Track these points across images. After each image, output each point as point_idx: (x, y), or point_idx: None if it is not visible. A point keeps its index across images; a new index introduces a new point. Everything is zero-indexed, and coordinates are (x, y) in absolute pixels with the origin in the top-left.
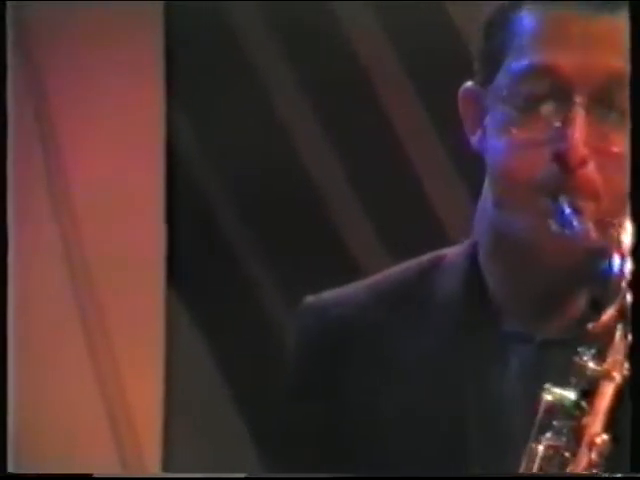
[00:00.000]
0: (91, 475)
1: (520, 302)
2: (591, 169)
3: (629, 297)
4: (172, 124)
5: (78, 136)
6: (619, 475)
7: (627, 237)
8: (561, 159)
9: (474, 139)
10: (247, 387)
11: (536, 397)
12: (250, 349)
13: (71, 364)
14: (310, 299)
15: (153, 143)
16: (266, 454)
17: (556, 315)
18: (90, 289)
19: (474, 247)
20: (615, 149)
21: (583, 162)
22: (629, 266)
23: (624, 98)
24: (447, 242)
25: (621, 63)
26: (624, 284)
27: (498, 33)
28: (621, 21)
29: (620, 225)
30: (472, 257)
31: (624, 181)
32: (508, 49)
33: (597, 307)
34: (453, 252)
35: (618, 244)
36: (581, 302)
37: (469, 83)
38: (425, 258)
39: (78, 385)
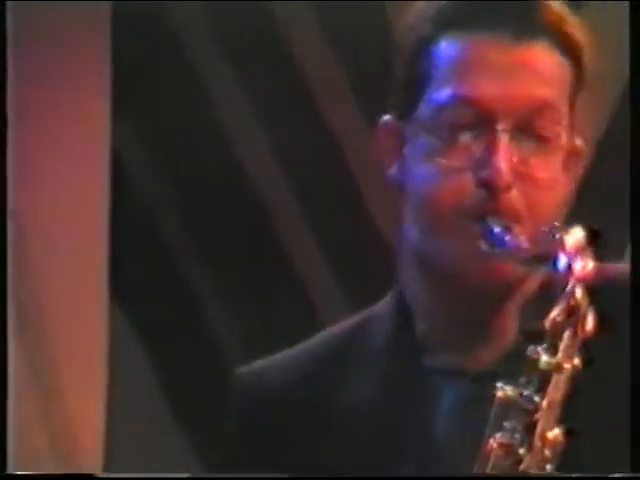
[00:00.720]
0: (92, 475)
1: (451, 335)
2: (515, 194)
3: (579, 293)
4: (117, 134)
5: (25, 144)
6: (619, 475)
7: (572, 238)
8: (487, 185)
9: (392, 171)
10: (185, 398)
11: (475, 431)
12: (191, 360)
13: (12, 373)
14: (242, 370)
15: (98, 154)
16: (204, 461)
17: (487, 346)
18: (33, 298)
19: (400, 292)
20: (537, 175)
21: (508, 187)
22: (579, 264)
23: (546, 125)
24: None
25: (542, 91)
26: (571, 281)
27: (418, 63)
28: (542, 49)
29: (562, 228)
30: (399, 303)
31: (546, 205)
32: (429, 79)
33: (529, 337)
34: (382, 304)
35: (562, 244)
36: (513, 331)
37: (387, 117)
38: (357, 316)
39: (20, 396)
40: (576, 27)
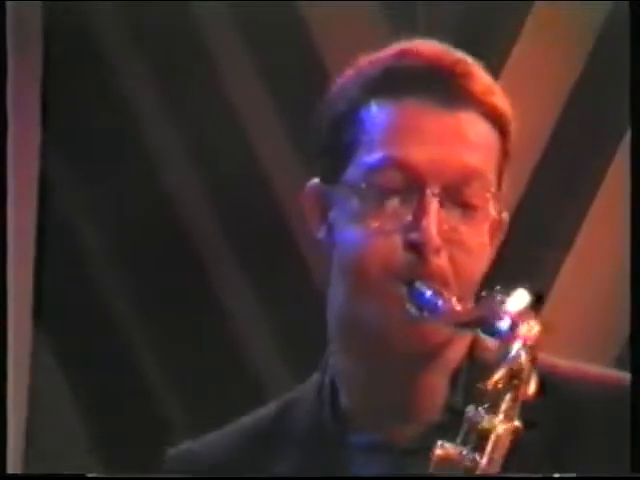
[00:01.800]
0: (92, 475)
1: (377, 410)
2: (443, 258)
3: (523, 357)
4: (47, 160)
5: None
6: (619, 475)
7: (515, 301)
8: (417, 248)
9: (320, 234)
10: (105, 425)
11: None
12: (114, 391)
13: None
14: (172, 452)
15: (27, 180)
16: None
17: (415, 421)
18: None
19: (325, 369)
20: (465, 241)
21: (438, 251)
22: (523, 328)
23: (474, 193)
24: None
25: (472, 158)
26: (516, 344)
27: (348, 128)
28: (471, 118)
29: (504, 292)
30: (324, 380)
31: (472, 271)
32: (359, 143)
33: (454, 411)
34: (309, 383)
35: (505, 308)
36: (439, 405)
37: (314, 180)
38: (285, 397)
39: None
40: (502, 98)
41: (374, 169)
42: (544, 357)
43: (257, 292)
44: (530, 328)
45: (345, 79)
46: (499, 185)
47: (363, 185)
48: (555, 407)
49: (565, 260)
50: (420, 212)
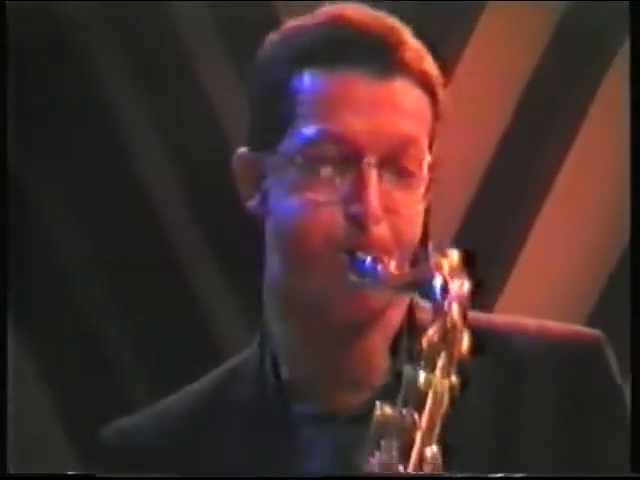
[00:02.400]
0: (92, 475)
1: (319, 379)
2: (384, 228)
3: (455, 314)
4: (24, 172)
5: None
6: (619, 475)
7: (447, 260)
8: (358, 219)
9: (252, 203)
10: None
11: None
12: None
13: None
14: (106, 431)
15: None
16: None
17: (358, 388)
18: None
19: (264, 337)
20: (402, 208)
21: (379, 221)
22: (454, 285)
23: (410, 160)
24: None
25: (407, 125)
26: (448, 301)
27: (282, 98)
28: (403, 85)
29: (438, 250)
30: (264, 349)
31: (410, 236)
32: (294, 114)
33: (398, 374)
34: (248, 352)
35: (439, 267)
36: (383, 371)
37: (243, 149)
38: (222, 367)
39: None
40: (431, 64)
41: (310, 142)
42: (481, 315)
43: (220, 262)
44: (461, 285)
45: (274, 46)
46: (430, 148)
47: (300, 157)
48: (493, 362)
49: (537, 219)
50: (359, 183)
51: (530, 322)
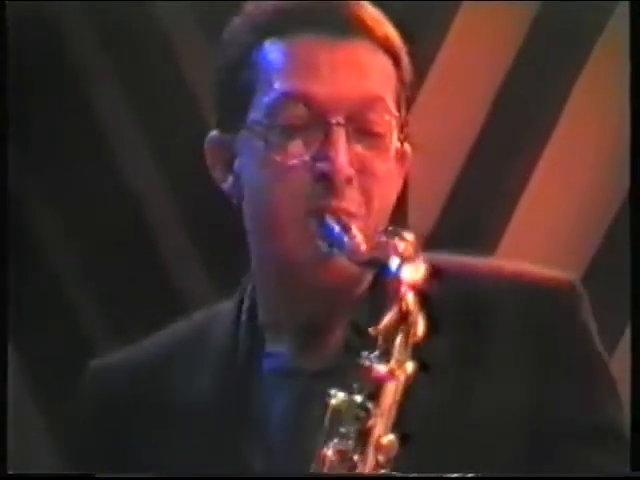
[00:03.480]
0: (92, 475)
1: (286, 335)
2: (355, 189)
3: (410, 298)
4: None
5: None
6: (619, 475)
7: (403, 243)
8: (327, 178)
9: (226, 185)
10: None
11: (310, 430)
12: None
13: None
14: (95, 362)
15: None
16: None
17: (321, 345)
18: None
19: (245, 290)
20: (374, 168)
21: (349, 181)
22: (410, 270)
23: (377, 120)
24: None
25: (369, 84)
26: (403, 287)
27: (242, 73)
28: (363, 47)
29: (396, 232)
30: (244, 300)
31: (383, 199)
32: (256, 84)
33: (360, 334)
34: (228, 302)
35: (395, 249)
36: (343, 330)
37: (213, 132)
38: (203, 312)
39: None
40: (392, 29)
41: (274, 106)
42: (459, 258)
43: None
44: (416, 269)
45: (234, 26)
46: (399, 113)
47: (265, 123)
48: (462, 305)
49: (532, 174)
50: (327, 143)
51: (507, 265)
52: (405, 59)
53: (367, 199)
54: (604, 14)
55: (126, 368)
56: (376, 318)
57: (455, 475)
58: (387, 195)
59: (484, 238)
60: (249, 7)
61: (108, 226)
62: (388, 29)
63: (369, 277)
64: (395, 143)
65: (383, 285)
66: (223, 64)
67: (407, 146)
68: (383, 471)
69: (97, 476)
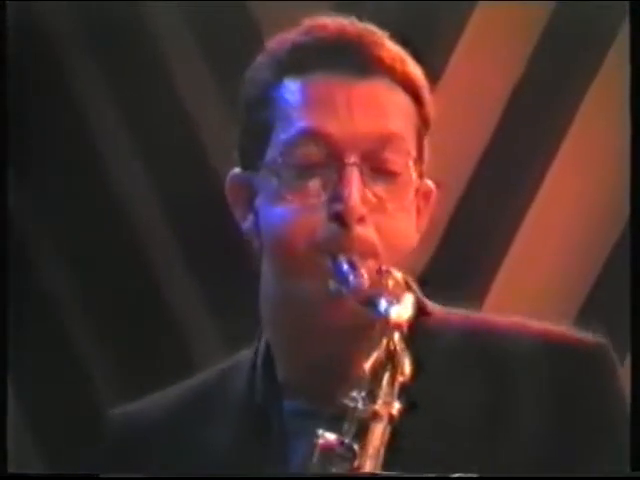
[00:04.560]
0: (94, 475)
1: (303, 378)
2: (369, 228)
3: (397, 339)
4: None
5: None
6: (619, 475)
7: (394, 282)
8: (340, 218)
9: (246, 224)
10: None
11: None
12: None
13: None
14: (114, 412)
15: None
16: None
17: (340, 388)
18: None
19: (261, 340)
20: (390, 208)
21: (362, 220)
22: (398, 310)
23: (394, 159)
24: None
25: (387, 123)
26: (390, 326)
27: (262, 110)
28: (383, 85)
29: (387, 271)
30: (261, 351)
31: (404, 238)
32: (275, 122)
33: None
34: (246, 353)
35: (385, 289)
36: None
37: (236, 170)
38: (222, 364)
39: None
40: (413, 66)
41: (290, 144)
42: (480, 315)
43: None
44: (404, 309)
45: (256, 64)
46: (420, 153)
47: (280, 162)
48: (488, 365)
49: (525, 219)
50: (341, 182)
51: (531, 324)
52: (427, 96)
53: (382, 238)
54: (617, 19)
55: (146, 417)
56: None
57: (455, 475)
58: (404, 234)
59: (479, 273)
60: (271, 44)
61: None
62: (408, 67)
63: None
64: (412, 182)
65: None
66: (245, 102)
67: (430, 183)
68: None
69: (107, 476)
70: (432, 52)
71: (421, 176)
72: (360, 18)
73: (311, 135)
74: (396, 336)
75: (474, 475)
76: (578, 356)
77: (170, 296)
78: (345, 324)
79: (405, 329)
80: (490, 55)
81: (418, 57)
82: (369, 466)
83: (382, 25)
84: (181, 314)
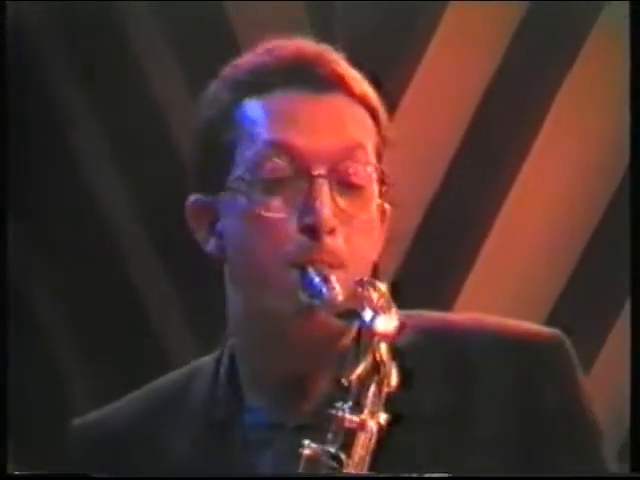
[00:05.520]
0: (92, 475)
1: (267, 389)
2: (339, 240)
3: (383, 349)
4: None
5: None
6: (619, 475)
7: (377, 294)
8: (311, 230)
9: (209, 246)
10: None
11: None
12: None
13: None
14: (77, 421)
15: None
16: None
17: (304, 399)
18: None
19: (223, 351)
20: (356, 219)
21: (332, 232)
22: (384, 320)
23: (360, 172)
24: None
25: (349, 133)
26: (376, 337)
27: (222, 132)
28: (341, 100)
29: (370, 283)
30: (224, 353)
31: (369, 250)
32: (238, 142)
33: (343, 388)
34: (207, 360)
35: (369, 300)
36: (326, 383)
37: (194, 196)
38: (181, 370)
39: None
40: (369, 87)
41: (256, 159)
42: (437, 314)
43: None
44: (390, 320)
45: (212, 89)
46: (381, 171)
47: (248, 178)
48: (447, 363)
49: (497, 219)
50: (311, 195)
51: (488, 319)
52: (383, 116)
53: (350, 250)
54: (592, 15)
55: (107, 426)
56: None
57: (455, 475)
58: (369, 247)
59: (451, 274)
60: (226, 69)
61: (93, 279)
62: (366, 86)
63: (353, 330)
64: (375, 196)
65: (366, 338)
66: (203, 126)
67: (386, 205)
68: None
69: (99, 476)
70: (405, 49)
71: (380, 194)
72: (330, 20)
73: (277, 148)
74: (383, 347)
75: (478, 475)
76: (535, 347)
77: (148, 302)
78: (315, 337)
79: (392, 339)
80: (464, 50)
81: (376, 79)
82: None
83: (353, 24)
84: (159, 322)
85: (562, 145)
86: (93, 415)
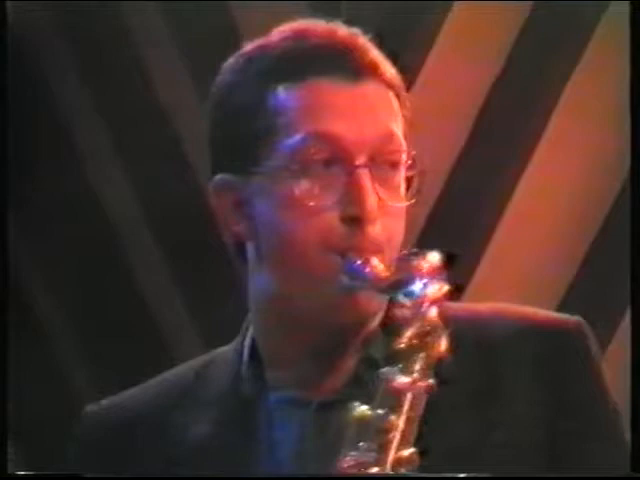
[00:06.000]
0: (93, 475)
1: (293, 367)
2: (378, 227)
3: (434, 313)
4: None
5: None
6: (619, 475)
7: (426, 262)
8: (355, 221)
9: (238, 228)
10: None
11: (321, 459)
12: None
13: None
14: (90, 407)
15: None
16: None
17: (331, 376)
18: None
19: (245, 337)
20: (391, 205)
21: (374, 222)
22: (432, 287)
23: (393, 159)
24: None
25: (386, 121)
26: (426, 302)
27: (256, 118)
28: (374, 86)
29: (419, 253)
30: (245, 337)
31: (400, 234)
32: (275, 129)
33: (370, 363)
34: (228, 347)
35: (419, 269)
36: (353, 361)
37: (221, 175)
38: (202, 357)
39: None
40: (391, 67)
41: (298, 149)
42: (462, 304)
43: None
44: (440, 288)
45: (237, 68)
46: (411, 156)
47: (288, 166)
48: (474, 350)
49: (506, 209)
50: (354, 185)
51: (510, 308)
52: (406, 97)
53: (388, 235)
54: (595, 18)
55: (123, 410)
56: (385, 346)
57: (455, 475)
58: (401, 231)
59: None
60: (252, 50)
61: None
62: (392, 69)
63: (381, 312)
64: (403, 177)
65: (395, 319)
66: (231, 109)
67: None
68: None
69: (95, 476)
70: (411, 45)
71: (407, 172)
72: (337, 18)
73: (319, 138)
74: (433, 312)
75: (482, 475)
76: (558, 334)
77: (150, 299)
78: (355, 319)
79: (443, 303)
80: (468, 52)
81: (394, 55)
82: (403, 438)
83: (357, 24)
84: (162, 316)
85: (572, 133)
86: (107, 401)
